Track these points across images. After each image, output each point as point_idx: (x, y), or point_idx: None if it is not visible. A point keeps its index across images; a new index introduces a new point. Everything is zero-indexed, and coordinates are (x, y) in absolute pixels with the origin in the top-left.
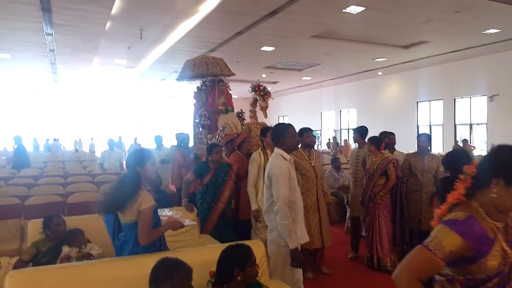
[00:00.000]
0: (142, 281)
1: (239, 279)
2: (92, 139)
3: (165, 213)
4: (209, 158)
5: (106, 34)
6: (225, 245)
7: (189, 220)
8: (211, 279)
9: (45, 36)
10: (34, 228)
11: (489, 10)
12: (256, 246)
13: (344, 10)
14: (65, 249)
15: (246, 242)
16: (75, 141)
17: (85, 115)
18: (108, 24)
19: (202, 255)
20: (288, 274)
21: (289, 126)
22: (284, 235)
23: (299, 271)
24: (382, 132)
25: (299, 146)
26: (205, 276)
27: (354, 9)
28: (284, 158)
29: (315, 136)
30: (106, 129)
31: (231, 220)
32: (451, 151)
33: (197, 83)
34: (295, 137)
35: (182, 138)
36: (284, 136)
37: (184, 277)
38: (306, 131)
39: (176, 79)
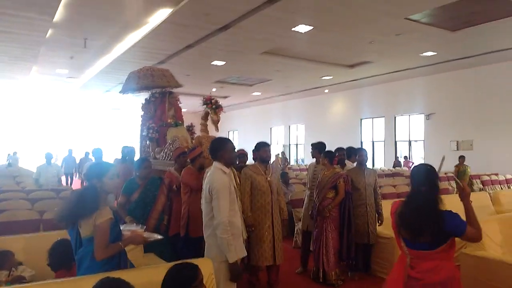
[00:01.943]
0: None
1: None
2: (15, 153)
3: (129, 227)
4: (137, 174)
5: (48, 42)
6: (171, 264)
7: (155, 234)
8: None
9: None
10: None
11: (426, 33)
12: (204, 264)
13: (293, 29)
14: None
15: (194, 261)
16: (8, 154)
17: (22, 127)
18: (50, 32)
19: (149, 274)
20: None
21: (228, 141)
22: (224, 249)
23: (234, 286)
24: (337, 148)
25: (256, 160)
26: None
27: (302, 29)
28: (224, 172)
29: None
30: (45, 142)
31: (168, 237)
32: (419, 165)
33: (144, 95)
34: (233, 152)
35: (127, 151)
36: (223, 151)
37: None
38: (263, 146)
39: (120, 92)
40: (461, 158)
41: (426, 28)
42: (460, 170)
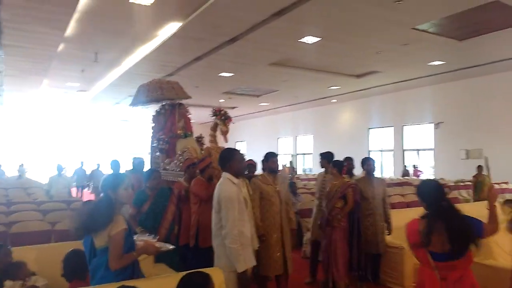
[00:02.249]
0: None
1: None
2: (21, 165)
3: (142, 237)
4: (147, 185)
5: (59, 56)
6: (182, 274)
7: (167, 244)
8: None
9: None
10: None
11: (434, 43)
12: (214, 273)
13: (299, 40)
14: (8, 284)
15: (205, 270)
16: (19, 166)
17: (32, 139)
18: (61, 46)
19: (161, 285)
20: None
21: (236, 151)
22: (233, 259)
23: None
24: (346, 157)
25: (265, 171)
26: None
27: (309, 40)
28: (233, 182)
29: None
30: (56, 154)
31: (178, 247)
32: (431, 183)
33: (153, 107)
34: (241, 162)
35: (137, 163)
36: (231, 162)
37: None
38: (272, 156)
39: (130, 105)
40: (479, 167)
41: (434, 37)
42: (478, 181)
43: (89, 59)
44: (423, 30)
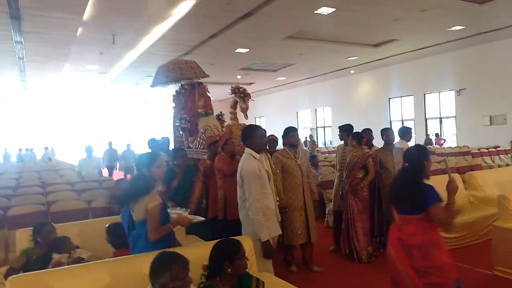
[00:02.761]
0: (141, 279)
1: (229, 271)
2: (46, 148)
3: (175, 210)
4: (174, 163)
5: (78, 40)
6: (214, 242)
7: (198, 217)
8: (204, 272)
9: (14, 44)
10: (22, 237)
11: (453, 8)
12: (244, 241)
13: (315, 11)
14: (56, 256)
15: (236, 238)
16: (46, 149)
17: (57, 123)
18: (79, 30)
19: (195, 252)
20: (260, 265)
21: (257, 128)
22: (256, 229)
23: (270, 263)
24: (364, 129)
25: (284, 145)
26: (198, 269)
27: (325, 10)
28: (254, 157)
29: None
30: (80, 136)
31: (207, 220)
32: (411, 147)
33: (173, 86)
34: (262, 138)
35: (162, 142)
36: (252, 138)
37: (182, 267)
38: (291, 131)
39: (150, 86)
40: None
41: (453, 2)
42: None
43: (107, 41)
44: None
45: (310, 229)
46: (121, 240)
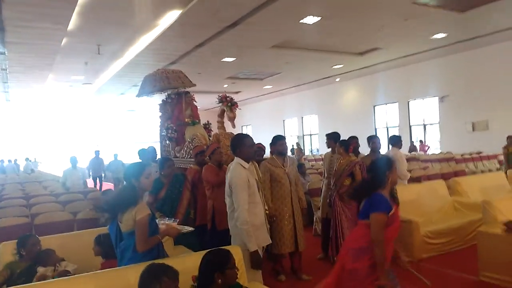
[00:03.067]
0: None
1: (219, 282)
2: (27, 159)
3: (164, 221)
4: (162, 173)
5: (62, 50)
6: (203, 252)
7: (187, 227)
8: (194, 284)
9: None
10: (6, 250)
11: (435, 16)
12: (234, 250)
13: (301, 21)
14: (40, 269)
15: (225, 247)
16: (27, 161)
17: (40, 134)
18: (64, 40)
19: (184, 262)
20: (249, 275)
21: (246, 136)
22: (244, 239)
23: (259, 273)
24: (351, 136)
25: (272, 154)
26: (188, 281)
27: (310, 20)
28: (243, 166)
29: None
30: (64, 147)
31: (195, 230)
32: (378, 158)
33: (159, 96)
34: (251, 147)
35: (148, 152)
36: (241, 147)
37: (172, 279)
38: (279, 139)
39: (137, 95)
40: (509, 138)
41: (435, 11)
42: (510, 152)
43: (92, 51)
44: (424, 4)
45: (298, 237)
46: (110, 250)
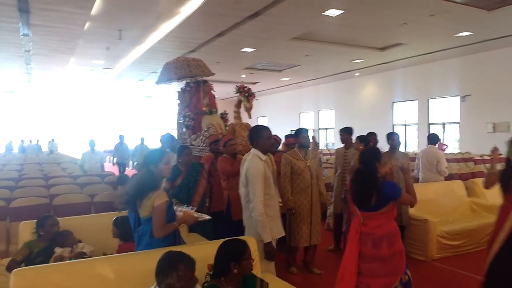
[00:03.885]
0: (143, 276)
1: (235, 272)
2: (52, 140)
3: (181, 208)
4: (179, 160)
5: (84, 34)
6: (222, 240)
7: (204, 215)
8: (209, 272)
9: (21, 36)
10: (25, 229)
11: (461, 13)
12: (249, 241)
13: (323, 13)
14: (58, 250)
15: (241, 238)
16: (49, 142)
17: (60, 116)
18: (86, 25)
19: (200, 250)
20: (262, 266)
21: (264, 128)
22: (259, 230)
23: (272, 264)
24: (369, 132)
25: (296, 146)
26: (203, 269)
27: (333, 12)
28: (260, 158)
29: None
30: (83, 130)
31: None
32: (365, 150)
33: (177, 83)
34: (269, 140)
35: (166, 138)
36: (259, 139)
37: (188, 268)
38: (302, 132)
39: (156, 82)
40: None
41: (461, 8)
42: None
43: (114, 36)
44: (450, 0)
45: (313, 232)
46: (128, 233)
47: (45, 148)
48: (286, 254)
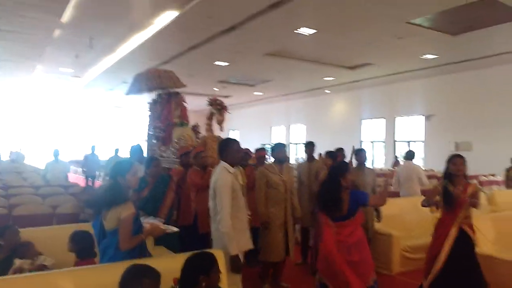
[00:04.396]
0: None
1: (203, 285)
2: (20, 149)
3: (147, 220)
4: (147, 172)
5: (53, 41)
6: (188, 254)
7: (172, 227)
8: (175, 286)
9: None
10: None
11: (428, 37)
12: (217, 254)
13: (296, 31)
14: (18, 262)
15: (209, 251)
16: (11, 152)
17: (26, 125)
18: (56, 32)
19: (165, 263)
20: (228, 280)
21: (233, 141)
22: (225, 243)
23: (238, 277)
24: (337, 148)
25: (272, 160)
26: (169, 282)
27: (306, 31)
28: (228, 171)
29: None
30: (48, 140)
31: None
32: (333, 165)
33: (149, 95)
34: (238, 152)
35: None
36: (228, 151)
37: (153, 281)
38: (279, 147)
39: (125, 93)
40: None
41: (428, 32)
42: (510, 174)
43: (84, 44)
44: (417, 24)
45: (290, 246)
46: (85, 250)
47: (7, 158)
48: (259, 269)
